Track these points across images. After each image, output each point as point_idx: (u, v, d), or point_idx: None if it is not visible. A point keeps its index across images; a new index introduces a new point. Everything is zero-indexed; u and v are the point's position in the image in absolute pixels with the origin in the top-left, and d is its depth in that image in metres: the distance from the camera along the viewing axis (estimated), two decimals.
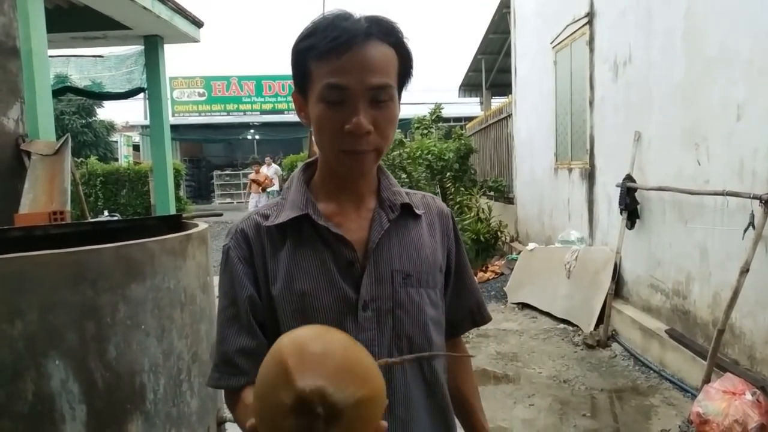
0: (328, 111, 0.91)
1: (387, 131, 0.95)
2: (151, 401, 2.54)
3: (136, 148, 23.02)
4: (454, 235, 1.14)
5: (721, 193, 3.24)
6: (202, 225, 3.38)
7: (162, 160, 7.24)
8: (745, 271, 2.96)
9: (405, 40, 0.96)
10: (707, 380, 3.11)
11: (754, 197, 2.94)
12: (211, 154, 27.96)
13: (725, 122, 3.38)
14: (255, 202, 11.83)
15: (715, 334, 3.15)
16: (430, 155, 8.94)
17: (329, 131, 0.93)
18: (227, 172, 24.52)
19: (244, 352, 0.97)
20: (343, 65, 0.89)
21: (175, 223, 3.27)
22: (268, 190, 13.11)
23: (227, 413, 3.42)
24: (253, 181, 11.93)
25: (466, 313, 1.16)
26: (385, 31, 0.93)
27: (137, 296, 2.53)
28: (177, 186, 12.74)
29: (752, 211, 2.99)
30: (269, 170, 14.64)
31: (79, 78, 7.54)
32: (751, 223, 2.96)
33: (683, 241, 3.91)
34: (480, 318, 1.19)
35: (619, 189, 4.62)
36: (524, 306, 5.88)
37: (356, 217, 1.03)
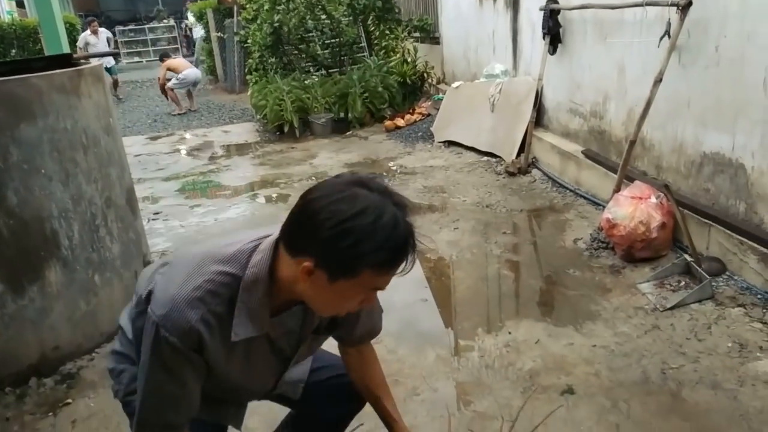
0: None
1: None
2: (67, 247, 2.45)
3: (19, 4, 20.32)
4: None
5: (641, 4, 3.20)
6: (94, 62, 3.07)
7: (49, 13, 6.35)
8: (658, 80, 3.03)
9: None
10: (618, 190, 3.30)
11: (672, 4, 2.92)
12: (109, 8, 25.21)
13: None
14: (175, 81, 10.25)
15: (627, 145, 3.29)
16: None
17: (348, 304, 1.11)
18: (131, 27, 22.28)
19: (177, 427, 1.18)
20: (390, 278, 1.06)
21: (66, 64, 2.96)
22: (178, 77, 10.67)
23: (154, 258, 3.38)
24: (162, 86, 10.25)
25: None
26: None
27: (29, 138, 2.33)
28: (74, 43, 11.42)
29: (669, 19, 2.98)
30: (100, 38, 11.60)
31: None
32: (667, 32, 2.97)
33: (602, 61, 3.93)
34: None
35: (542, 13, 4.50)
36: (450, 144, 5.95)
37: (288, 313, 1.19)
